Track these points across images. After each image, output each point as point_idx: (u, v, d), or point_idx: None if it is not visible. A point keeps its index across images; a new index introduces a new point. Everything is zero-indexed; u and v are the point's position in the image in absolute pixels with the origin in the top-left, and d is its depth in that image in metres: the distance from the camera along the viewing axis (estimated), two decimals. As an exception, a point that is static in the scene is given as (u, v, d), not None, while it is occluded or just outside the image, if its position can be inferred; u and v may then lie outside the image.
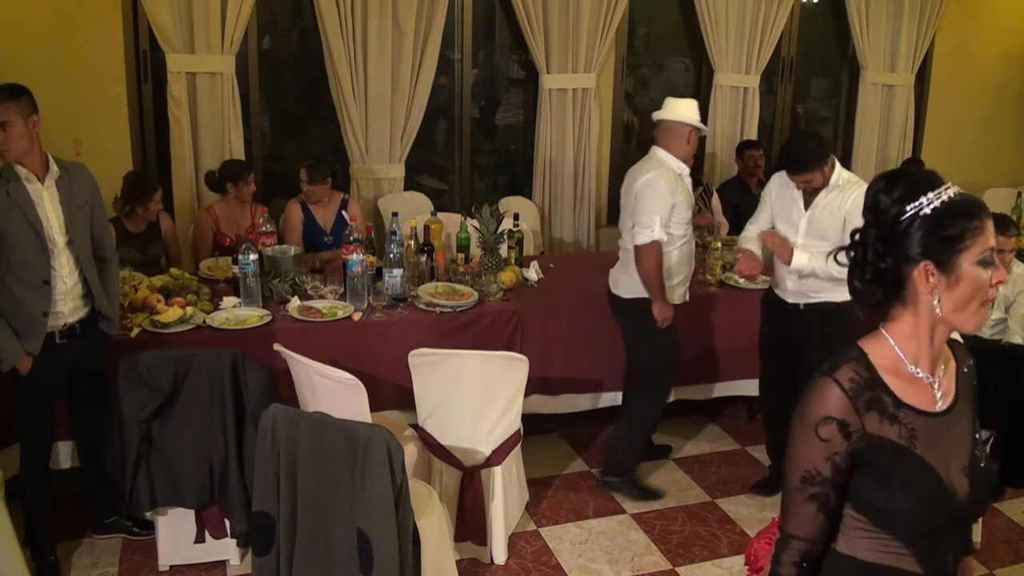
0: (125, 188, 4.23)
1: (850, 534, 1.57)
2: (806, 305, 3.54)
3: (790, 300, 3.58)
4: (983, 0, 6.49)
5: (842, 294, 3.39)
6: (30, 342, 2.92)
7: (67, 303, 3.01)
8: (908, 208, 1.50)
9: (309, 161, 4.69)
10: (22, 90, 2.87)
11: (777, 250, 3.49)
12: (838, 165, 3.45)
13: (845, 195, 3.39)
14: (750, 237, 3.72)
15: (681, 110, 3.62)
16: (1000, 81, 6.73)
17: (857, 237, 1.58)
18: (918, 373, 1.55)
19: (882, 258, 1.53)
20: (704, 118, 5.92)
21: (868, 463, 1.51)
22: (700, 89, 6.11)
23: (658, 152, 3.63)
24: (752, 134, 5.95)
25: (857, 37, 6.16)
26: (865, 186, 3.51)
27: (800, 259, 3.42)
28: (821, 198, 3.44)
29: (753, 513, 3.76)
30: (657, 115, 3.69)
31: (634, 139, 6.17)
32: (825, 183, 3.42)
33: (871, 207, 1.55)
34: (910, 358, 1.55)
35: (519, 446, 3.44)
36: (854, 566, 1.56)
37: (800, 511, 1.54)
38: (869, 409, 1.51)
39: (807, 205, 3.48)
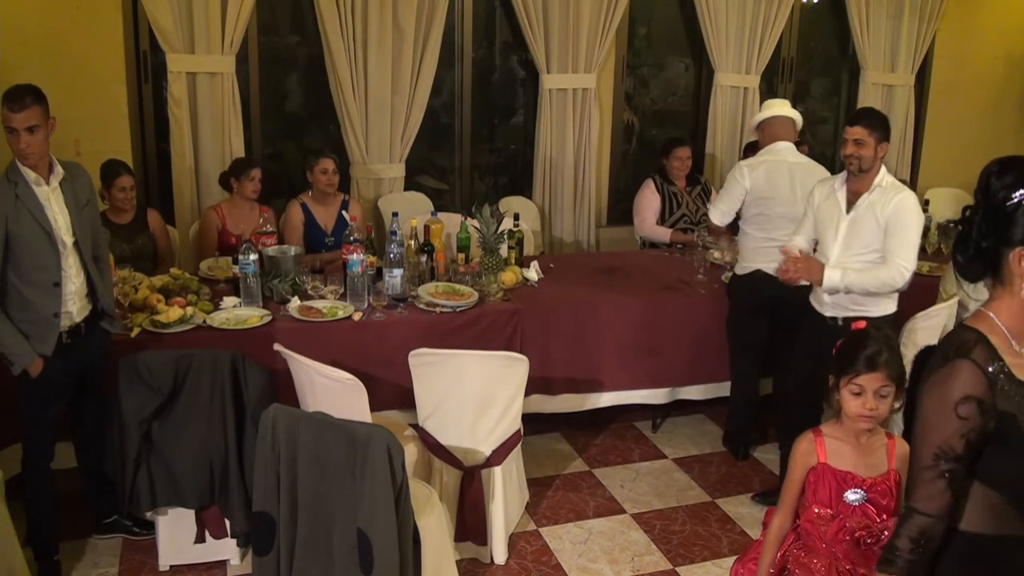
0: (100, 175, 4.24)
1: (975, 512, 1.64)
2: (845, 319, 3.35)
3: (828, 313, 3.43)
4: (983, 0, 6.49)
5: (882, 308, 3.40)
6: (42, 344, 2.91)
7: (75, 303, 3.01)
8: (1015, 195, 1.58)
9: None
10: (43, 93, 2.87)
11: (802, 273, 3.33)
12: (884, 168, 3.37)
13: (887, 198, 3.28)
14: (797, 246, 3.58)
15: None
16: (1000, 81, 6.73)
17: (967, 214, 1.68)
18: (1021, 351, 1.63)
19: (984, 237, 1.63)
20: (704, 118, 5.99)
21: (998, 438, 1.58)
22: (700, 89, 6.12)
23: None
24: (752, 134, 5.93)
25: (857, 37, 6.16)
26: (907, 191, 3.50)
27: (832, 277, 3.28)
28: (864, 199, 3.32)
29: (753, 513, 3.75)
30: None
31: (634, 139, 6.17)
32: (871, 165, 3.29)
33: (981, 188, 1.64)
34: (1014, 337, 1.63)
35: (519, 446, 3.44)
36: (980, 541, 1.64)
37: (930, 488, 1.61)
38: (1000, 387, 1.58)
39: (849, 207, 3.36)
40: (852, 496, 2.19)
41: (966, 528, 1.65)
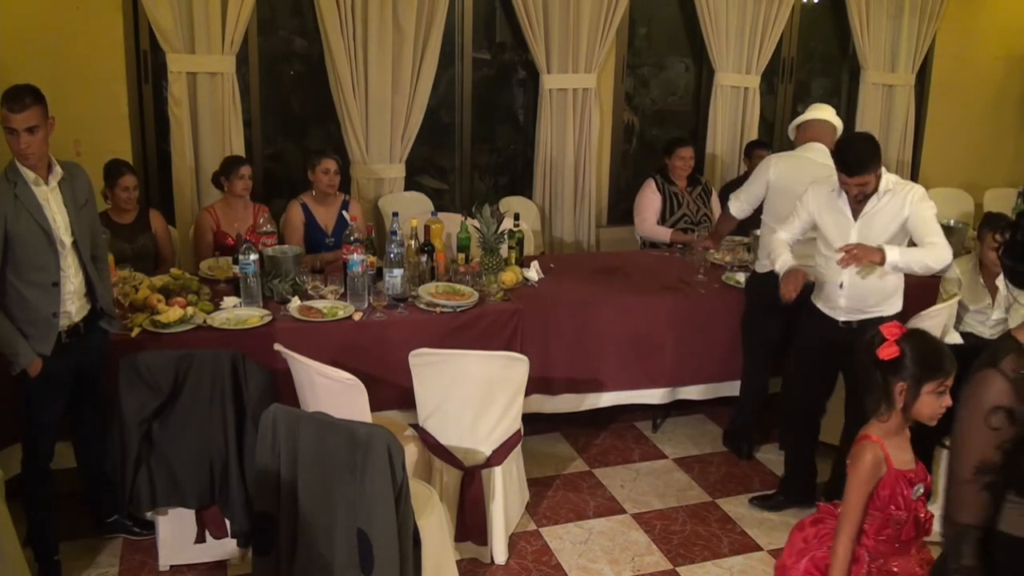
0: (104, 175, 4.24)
1: (1009, 514, 1.68)
2: (859, 322, 3.39)
3: (842, 318, 3.44)
4: (983, 0, 6.49)
5: (893, 307, 3.42)
6: (41, 344, 2.92)
7: (74, 303, 3.01)
8: None
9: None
10: (42, 93, 2.87)
11: (866, 256, 3.26)
12: (883, 169, 3.36)
13: (900, 196, 3.30)
14: (781, 241, 3.59)
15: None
16: (1000, 81, 6.73)
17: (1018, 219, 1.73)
18: None
19: None
20: (704, 118, 5.99)
21: None
22: (700, 89, 6.12)
23: None
24: (752, 134, 5.95)
25: (857, 37, 6.16)
26: (914, 184, 3.55)
27: (893, 255, 3.24)
28: (871, 205, 3.32)
29: (753, 513, 3.76)
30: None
31: (634, 139, 6.17)
32: (875, 187, 3.30)
33: None
34: None
35: (519, 446, 3.44)
36: (1016, 542, 1.68)
37: (976, 500, 1.65)
38: None
39: (855, 214, 3.36)
40: (919, 492, 2.23)
41: (1003, 529, 1.68)
